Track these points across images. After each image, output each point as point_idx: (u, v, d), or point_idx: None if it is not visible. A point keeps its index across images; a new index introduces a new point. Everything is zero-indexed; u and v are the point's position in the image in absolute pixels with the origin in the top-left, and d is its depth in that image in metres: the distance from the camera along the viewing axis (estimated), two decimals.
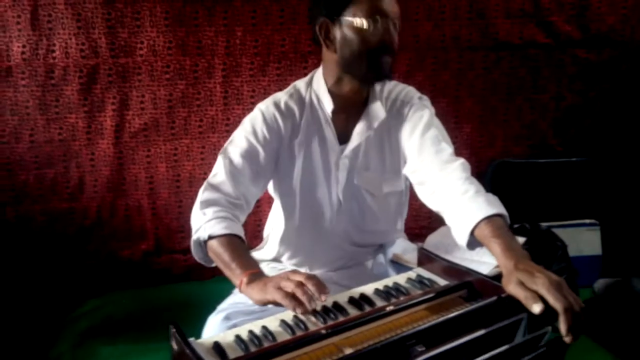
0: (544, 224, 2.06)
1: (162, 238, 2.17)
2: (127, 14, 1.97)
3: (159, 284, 2.12)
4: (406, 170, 1.36)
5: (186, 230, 2.18)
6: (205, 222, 1.19)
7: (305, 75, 1.43)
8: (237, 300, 1.31)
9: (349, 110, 1.35)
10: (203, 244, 1.21)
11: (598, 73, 2.23)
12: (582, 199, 2.22)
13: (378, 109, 1.34)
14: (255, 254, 1.58)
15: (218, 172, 1.29)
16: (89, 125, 2.05)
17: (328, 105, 1.33)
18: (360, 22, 1.21)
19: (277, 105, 1.35)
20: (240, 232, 1.21)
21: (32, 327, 1.89)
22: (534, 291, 0.87)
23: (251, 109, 2.09)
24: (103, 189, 2.10)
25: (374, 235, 1.49)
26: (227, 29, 2.02)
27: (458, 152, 2.17)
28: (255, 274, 1.09)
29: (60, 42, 1.96)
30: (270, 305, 1.03)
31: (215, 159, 1.34)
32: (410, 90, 1.41)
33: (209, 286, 2.05)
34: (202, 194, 1.27)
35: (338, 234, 1.43)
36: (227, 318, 1.21)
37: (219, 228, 1.18)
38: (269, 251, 1.52)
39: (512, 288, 0.91)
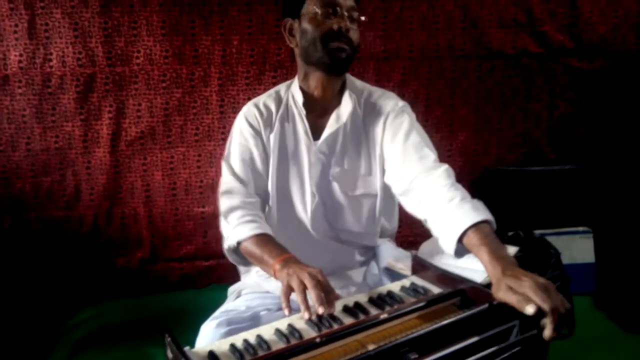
0: (538, 232, 2.08)
1: (158, 246, 2.17)
2: (124, 23, 1.99)
3: (155, 292, 2.12)
4: (389, 179, 1.36)
5: (182, 238, 2.19)
6: (231, 230, 1.27)
7: None
8: (230, 307, 1.33)
9: (322, 107, 1.39)
10: (235, 250, 1.28)
11: (590, 82, 2.26)
12: (575, 206, 2.23)
13: (347, 103, 1.38)
14: None
15: (226, 179, 1.37)
16: (85, 134, 2.06)
17: (299, 98, 1.38)
18: (313, 12, 1.29)
19: (256, 105, 1.42)
20: (264, 229, 1.27)
21: (29, 335, 1.88)
22: (523, 294, 0.89)
23: None
24: (99, 197, 2.11)
25: (351, 234, 1.49)
26: (223, 38, 2.04)
27: (453, 159, 2.22)
28: (285, 260, 1.15)
29: (57, 51, 1.98)
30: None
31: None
32: (391, 96, 1.43)
33: (205, 294, 2.05)
34: (221, 204, 1.34)
35: (316, 229, 1.44)
36: (220, 325, 1.22)
37: (244, 231, 1.25)
38: None
39: (502, 294, 0.93)
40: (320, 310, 1.00)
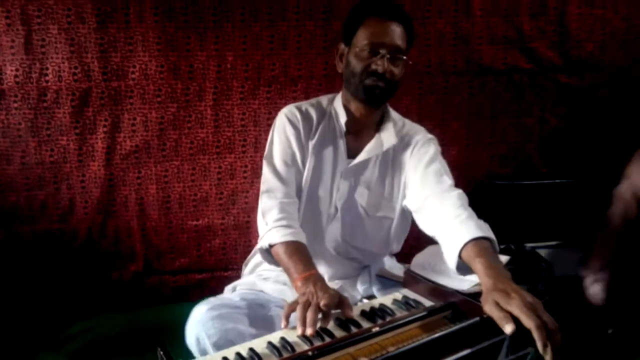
0: (530, 245, 2.10)
1: (152, 259, 2.17)
2: (120, 39, 2.01)
3: (149, 305, 2.12)
4: (407, 201, 1.43)
5: (176, 251, 2.19)
6: (266, 232, 1.33)
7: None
8: (224, 296, 1.41)
9: (362, 130, 1.46)
10: (267, 251, 1.33)
11: (579, 97, 2.30)
12: (566, 219, 2.26)
13: (390, 135, 1.44)
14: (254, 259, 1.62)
15: (268, 178, 1.41)
16: (80, 148, 2.07)
17: (342, 117, 1.43)
18: (360, 46, 1.34)
19: (298, 107, 1.47)
20: (297, 237, 1.31)
21: (22, 348, 1.88)
22: (508, 312, 0.91)
23: (241, 132, 2.15)
24: (93, 211, 2.11)
25: (362, 253, 1.53)
26: (218, 54, 2.07)
27: None
28: (307, 278, 1.19)
29: (53, 66, 2.00)
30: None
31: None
32: (420, 130, 1.52)
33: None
34: (261, 203, 1.39)
35: (330, 241, 1.49)
36: (212, 309, 1.25)
37: (277, 236, 1.30)
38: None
39: (487, 308, 0.95)
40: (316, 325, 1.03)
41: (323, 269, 1.50)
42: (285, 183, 1.40)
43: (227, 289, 1.53)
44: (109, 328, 1.93)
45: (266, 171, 1.42)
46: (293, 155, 1.43)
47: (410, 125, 1.51)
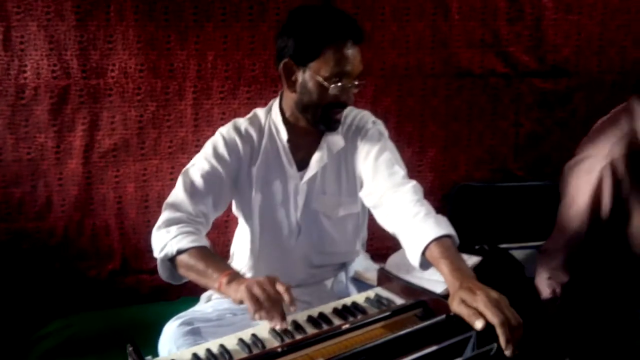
0: (504, 246, 2.14)
1: (129, 258, 2.17)
2: (100, 37, 2.00)
3: (126, 304, 2.11)
4: (362, 194, 1.41)
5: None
6: (170, 239, 1.23)
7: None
8: (197, 309, 1.38)
9: (307, 138, 1.41)
10: (169, 261, 1.24)
11: (554, 101, 2.34)
12: (540, 221, 2.29)
13: (337, 139, 1.40)
14: None
15: (178, 192, 1.34)
16: (58, 145, 2.05)
17: (284, 135, 1.39)
18: (323, 76, 1.27)
19: (237, 129, 1.41)
20: (208, 244, 1.26)
21: None
22: (475, 308, 0.93)
23: None
24: (70, 209, 2.10)
25: (333, 256, 1.54)
26: (198, 53, 2.07)
27: (423, 175, 2.28)
28: (232, 274, 1.14)
29: (32, 63, 1.98)
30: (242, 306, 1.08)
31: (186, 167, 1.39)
32: (365, 115, 1.47)
33: (176, 307, 2.03)
34: (163, 215, 1.31)
35: (299, 255, 1.48)
36: (183, 324, 1.25)
37: (186, 242, 1.22)
38: (235, 267, 1.56)
39: (455, 306, 0.97)
40: (292, 309, 1.04)
41: (296, 280, 1.46)
42: (197, 202, 1.32)
43: (203, 297, 1.52)
44: (85, 326, 1.92)
45: (179, 186, 1.34)
46: (219, 178, 1.36)
47: (353, 114, 1.46)
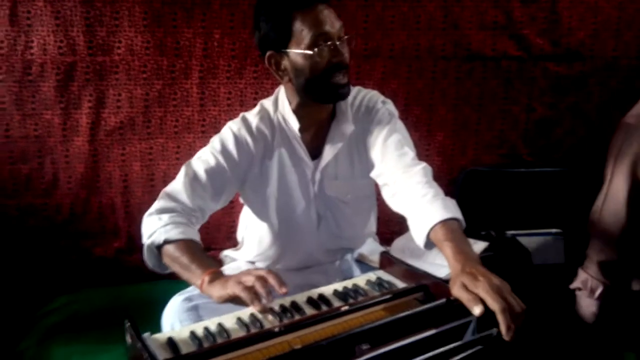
0: (511, 232, 2.12)
1: (135, 236, 2.16)
2: (106, 13, 1.98)
3: (131, 282, 2.12)
4: (372, 174, 1.40)
5: None
6: (160, 227, 1.21)
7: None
8: None
9: (318, 126, 1.40)
10: (157, 249, 1.22)
11: (568, 86, 2.29)
12: (549, 208, 2.27)
13: (347, 124, 1.38)
14: (233, 254, 1.62)
15: (177, 183, 1.32)
16: (64, 122, 2.05)
17: (294, 125, 1.36)
18: (306, 51, 1.24)
19: (249, 129, 1.38)
20: (197, 238, 1.24)
21: (3, 321, 1.88)
22: (476, 294, 0.92)
23: (227, 111, 2.14)
24: (77, 186, 2.10)
25: (351, 240, 1.54)
26: (205, 31, 2.04)
27: (431, 159, 2.25)
28: (216, 273, 1.13)
29: (39, 39, 1.97)
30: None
31: (190, 159, 1.37)
32: (374, 95, 1.45)
33: (180, 286, 2.04)
34: (158, 202, 1.29)
35: (319, 243, 1.48)
36: (187, 299, 1.25)
37: (175, 233, 1.20)
38: (246, 253, 1.56)
39: (456, 291, 0.96)
40: (284, 290, 1.02)
41: (305, 266, 1.47)
42: (194, 196, 1.29)
43: None
44: (89, 303, 1.94)
45: (180, 177, 1.32)
46: (223, 175, 1.33)
47: (362, 94, 1.44)
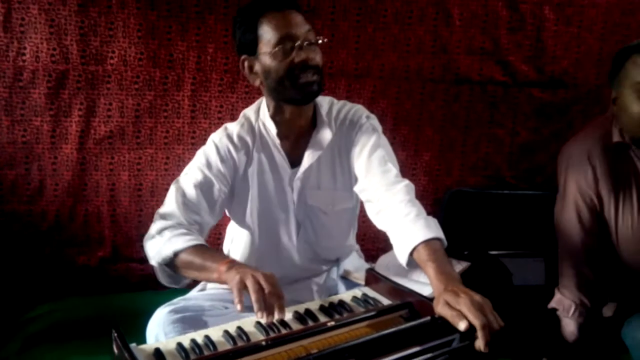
0: (493, 252, 2.15)
1: (120, 246, 2.17)
2: (101, 23, 2.00)
3: (115, 292, 2.11)
4: (356, 189, 1.42)
5: None
6: (165, 242, 1.22)
7: None
8: (190, 296, 1.40)
9: (298, 134, 1.42)
10: (167, 265, 1.23)
11: (551, 112, 2.36)
12: (531, 230, 2.31)
13: (325, 132, 1.40)
14: None
15: (169, 203, 1.32)
16: (53, 129, 2.05)
17: (272, 129, 1.38)
18: (272, 52, 1.28)
19: (230, 137, 1.40)
20: (201, 241, 1.25)
21: None
22: (458, 310, 0.94)
23: (218, 124, 2.15)
24: (63, 194, 2.09)
25: (329, 250, 1.54)
26: (199, 45, 2.07)
27: (417, 178, 2.29)
28: (232, 262, 1.15)
29: (32, 46, 1.97)
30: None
31: (178, 171, 1.38)
32: (359, 109, 1.47)
33: (165, 296, 2.04)
34: (154, 224, 1.29)
35: (297, 252, 1.48)
36: (173, 311, 1.25)
37: (181, 242, 1.21)
38: None
39: (440, 308, 0.98)
40: (276, 316, 1.04)
41: (292, 276, 1.47)
42: (188, 213, 1.30)
43: (197, 287, 1.52)
44: (73, 312, 1.92)
45: (171, 196, 1.32)
46: (211, 187, 1.34)
47: (348, 107, 1.46)
